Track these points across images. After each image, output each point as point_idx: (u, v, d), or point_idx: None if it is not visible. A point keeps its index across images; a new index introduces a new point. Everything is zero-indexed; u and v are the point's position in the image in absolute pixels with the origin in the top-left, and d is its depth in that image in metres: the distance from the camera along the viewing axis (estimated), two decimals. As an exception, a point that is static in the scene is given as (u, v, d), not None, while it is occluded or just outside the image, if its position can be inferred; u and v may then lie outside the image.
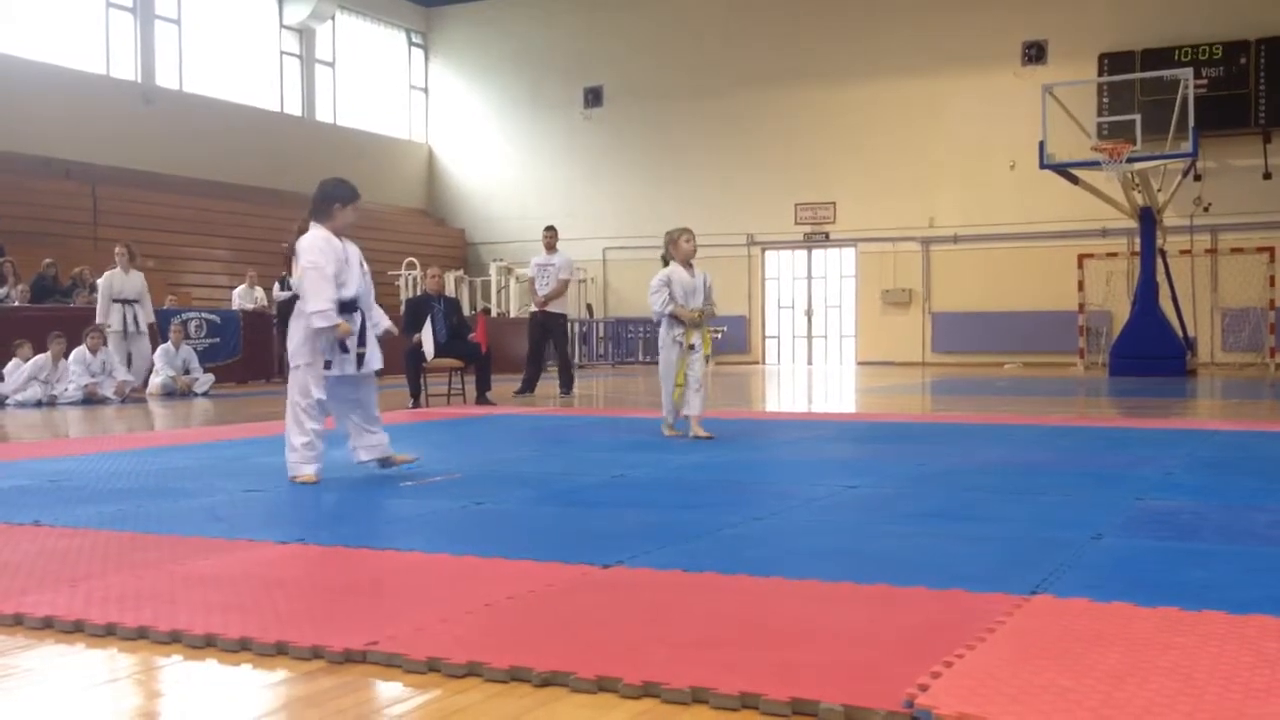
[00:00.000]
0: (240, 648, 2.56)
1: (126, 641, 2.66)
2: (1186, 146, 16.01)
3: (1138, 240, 17.14)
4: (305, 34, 24.20)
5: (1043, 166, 16.72)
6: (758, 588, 3.04)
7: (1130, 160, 15.79)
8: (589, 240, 24.84)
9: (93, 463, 6.16)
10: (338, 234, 5.38)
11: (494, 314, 22.45)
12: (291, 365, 5.41)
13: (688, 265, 7.41)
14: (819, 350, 24.70)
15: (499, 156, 26.81)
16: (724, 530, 3.93)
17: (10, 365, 11.90)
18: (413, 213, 26.74)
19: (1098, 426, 8.23)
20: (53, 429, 9.06)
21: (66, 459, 6.40)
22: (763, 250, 24.61)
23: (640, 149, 25.35)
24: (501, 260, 24.37)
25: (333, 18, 24.62)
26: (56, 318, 13.15)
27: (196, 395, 13.22)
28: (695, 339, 7.35)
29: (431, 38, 27.52)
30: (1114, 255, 20.16)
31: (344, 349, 5.31)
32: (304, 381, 5.32)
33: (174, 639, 2.63)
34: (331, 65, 25.11)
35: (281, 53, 23.88)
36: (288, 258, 5.44)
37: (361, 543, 3.77)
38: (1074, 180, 16.78)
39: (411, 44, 27.33)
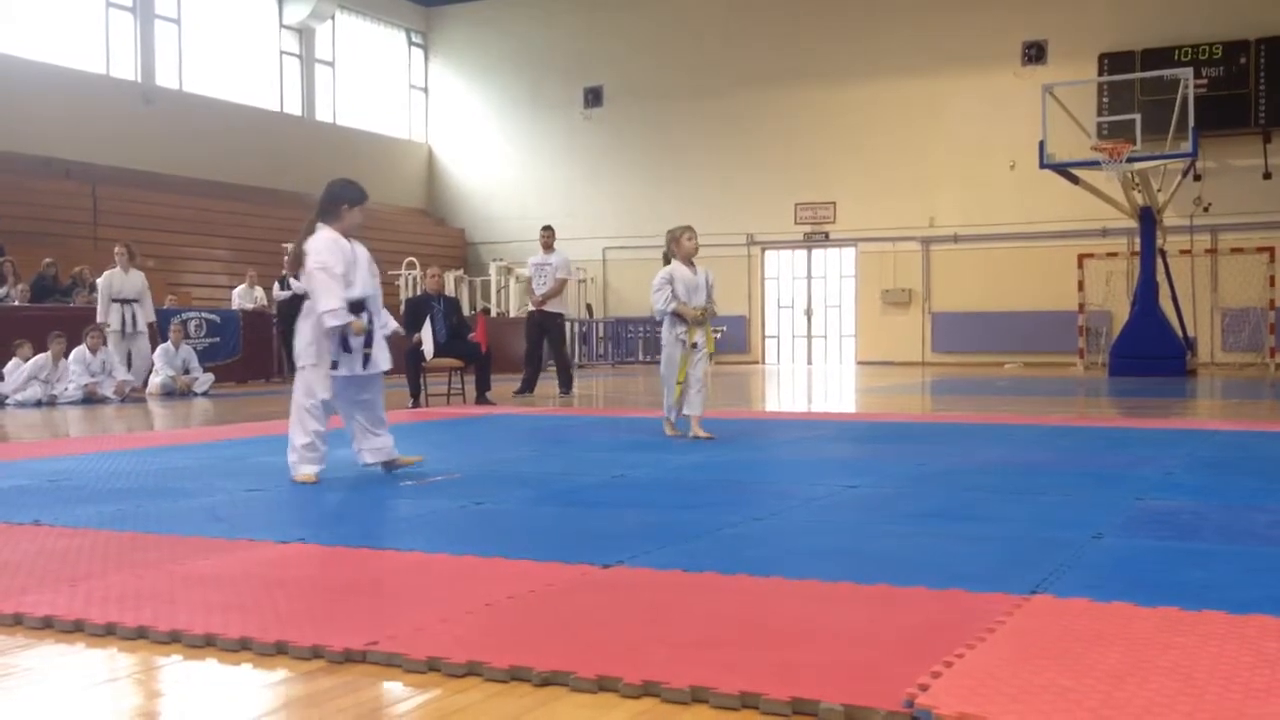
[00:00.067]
0: (240, 647, 2.56)
1: (126, 641, 2.66)
2: (1186, 146, 16.00)
3: (1138, 240, 17.13)
4: (305, 34, 24.20)
5: (1043, 166, 16.71)
6: (758, 588, 3.04)
7: (1130, 160, 15.78)
8: (589, 240, 24.86)
9: (93, 462, 6.16)
10: (345, 235, 5.38)
11: (494, 314, 22.44)
12: (298, 365, 5.42)
13: (690, 263, 7.41)
14: (819, 350, 24.69)
15: (499, 156, 26.81)
16: (724, 530, 3.93)
17: (10, 365, 11.90)
18: (413, 212, 26.73)
19: (1098, 426, 8.23)
20: (53, 429, 9.06)
21: (66, 459, 6.40)
22: (763, 250, 24.61)
23: (640, 149, 25.35)
24: (501, 260, 24.36)
25: (332, 17, 24.61)
26: (56, 317, 13.15)
27: (196, 395, 13.22)
28: (698, 337, 7.34)
29: (431, 37, 27.52)
30: (1114, 255, 20.15)
31: (348, 348, 5.31)
32: (309, 382, 5.33)
33: (174, 639, 2.63)
34: (331, 65, 25.10)
35: (281, 52, 23.87)
36: (294, 258, 5.43)
37: (362, 542, 3.77)
38: (1074, 180, 16.77)
39: (411, 44, 27.33)
